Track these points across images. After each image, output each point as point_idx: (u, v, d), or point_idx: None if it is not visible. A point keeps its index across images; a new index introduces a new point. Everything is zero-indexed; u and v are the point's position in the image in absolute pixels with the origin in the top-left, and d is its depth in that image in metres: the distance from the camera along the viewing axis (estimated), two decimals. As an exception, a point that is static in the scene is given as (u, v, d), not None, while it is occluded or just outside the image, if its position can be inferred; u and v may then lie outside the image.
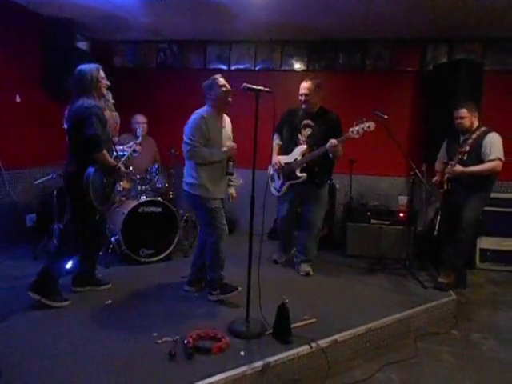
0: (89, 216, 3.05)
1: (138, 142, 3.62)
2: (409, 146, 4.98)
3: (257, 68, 5.48)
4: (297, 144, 3.77)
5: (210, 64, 5.60)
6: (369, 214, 4.57)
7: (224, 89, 3.09)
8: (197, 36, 5.38)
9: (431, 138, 4.84)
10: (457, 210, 3.73)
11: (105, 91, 3.16)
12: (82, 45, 4.99)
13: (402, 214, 4.50)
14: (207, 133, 3.08)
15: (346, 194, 5.09)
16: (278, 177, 3.89)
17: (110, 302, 3.10)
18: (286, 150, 3.85)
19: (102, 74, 3.06)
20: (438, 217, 3.93)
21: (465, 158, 3.60)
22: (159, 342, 2.49)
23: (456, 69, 4.57)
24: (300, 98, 3.73)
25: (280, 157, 3.83)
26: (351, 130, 3.53)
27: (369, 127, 3.50)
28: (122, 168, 3.14)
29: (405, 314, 3.08)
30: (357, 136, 3.52)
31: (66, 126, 3.05)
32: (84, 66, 3.03)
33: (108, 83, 3.15)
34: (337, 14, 4.27)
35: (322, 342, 2.59)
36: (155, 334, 2.58)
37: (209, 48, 5.60)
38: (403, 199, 4.69)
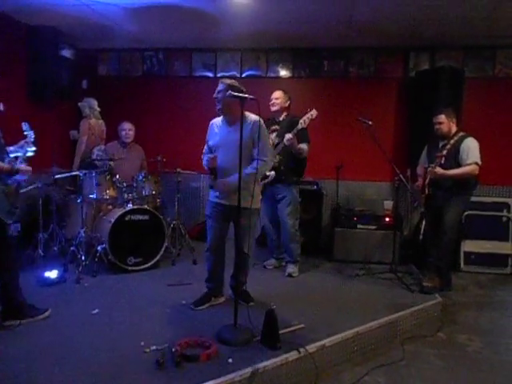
0: None
1: (28, 140, 3.08)
2: (393, 152, 5.06)
3: (243, 75, 5.52)
4: None
5: (195, 71, 5.63)
6: (355, 219, 4.62)
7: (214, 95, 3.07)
8: (182, 44, 5.40)
9: (415, 144, 4.92)
10: (439, 214, 3.81)
11: None
12: (67, 53, 4.97)
13: (387, 219, 4.56)
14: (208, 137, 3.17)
15: (333, 199, 5.14)
16: None
17: (96, 311, 3.07)
18: None
19: None
20: (423, 221, 3.99)
21: (442, 161, 3.69)
22: (147, 350, 2.46)
23: (438, 76, 4.68)
24: (271, 105, 3.99)
25: None
26: (300, 121, 3.74)
27: (312, 115, 3.74)
28: (22, 167, 2.84)
29: (391, 318, 3.11)
30: (305, 125, 3.75)
31: None
32: None
33: None
34: (320, 23, 4.35)
35: (310, 347, 2.59)
36: (142, 343, 2.55)
37: (194, 56, 5.63)
38: (389, 204, 4.75)
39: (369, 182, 5.29)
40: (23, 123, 3.13)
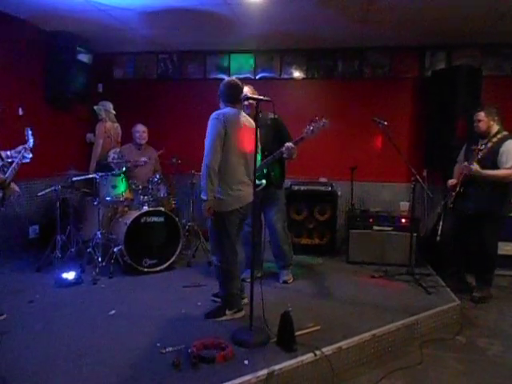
0: None
1: (27, 146, 3.05)
2: (409, 152, 4.99)
3: (257, 77, 5.53)
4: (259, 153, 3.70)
5: (209, 74, 5.66)
6: (371, 220, 4.57)
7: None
8: (196, 46, 5.44)
9: (431, 144, 4.86)
10: (468, 218, 3.71)
11: None
12: (84, 57, 5.05)
13: (404, 220, 4.50)
14: None
15: (348, 200, 5.10)
16: None
17: (113, 312, 3.10)
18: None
19: None
20: (441, 222, 3.92)
21: (479, 156, 3.52)
22: (163, 351, 2.48)
23: (455, 74, 4.61)
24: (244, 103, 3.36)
25: None
26: (306, 130, 3.43)
27: (323, 125, 3.42)
28: (13, 186, 2.81)
29: (409, 321, 3.06)
30: (313, 136, 3.45)
31: None
32: None
33: None
34: (335, 24, 4.33)
35: (327, 350, 2.57)
36: (159, 344, 2.57)
37: (208, 58, 5.66)
38: (405, 205, 4.69)
39: (384, 183, 5.24)
40: (26, 129, 3.11)
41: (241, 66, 5.58)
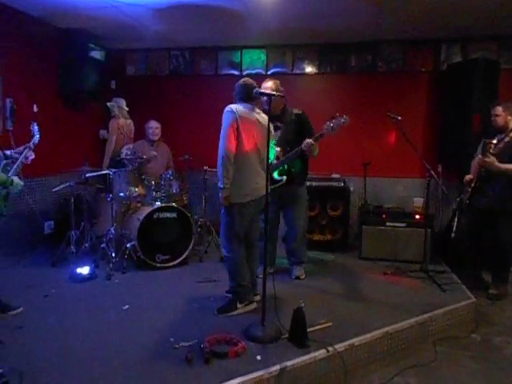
0: None
1: (30, 145, 2.99)
2: (423, 148, 4.92)
3: (269, 72, 5.50)
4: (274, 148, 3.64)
5: (221, 70, 5.65)
6: (384, 216, 4.53)
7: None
8: (208, 42, 5.43)
9: (446, 139, 4.78)
10: (484, 215, 3.66)
11: None
12: (96, 54, 5.09)
13: (418, 216, 4.45)
14: None
15: (361, 196, 5.05)
16: None
17: (126, 307, 3.13)
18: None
19: None
20: (456, 218, 3.86)
21: (491, 150, 3.46)
22: (176, 346, 2.50)
23: (471, 68, 4.51)
24: (263, 99, 3.33)
25: None
26: (325, 126, 3.41)
27: (344, 122, 3.37)
28: (16, 180, 2.78)
29: (423, 318, 3.03)
30: (332, 132, 3.40)
31: None
32: None
33: None
34: (349, 17, 4.27)
35: (339, 346, 2.56)
36: (172, 339, 2.59)
37: (220, 54, 5.65)
38: (419, 201, 4.63)
39: (398, 179, 5.18)
40: (32, 123, 3.07)
41: (252, 61, 5.56)
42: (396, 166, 5.14)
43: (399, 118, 3.71)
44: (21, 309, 2.98)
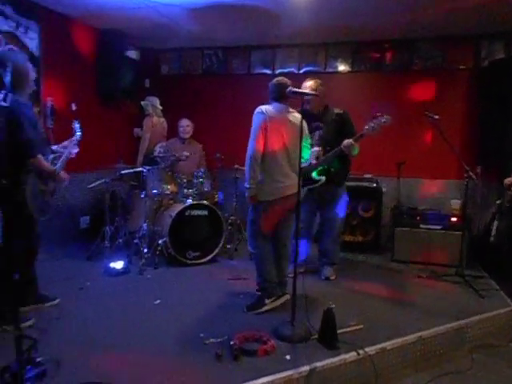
0: (27, 229, 2.76)
1: (74, 140, 3.08)
2: (462, 148, 4.74)
3: (301, 71, 5.46)
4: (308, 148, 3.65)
5: (254, 69, 5.66)
6: (418, 218, 4.41)
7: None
8: (241, 42, 5.46)
9: (487, 139, 4.60)
10: None
11: (33, 84, 2.83)
12: (132, 54, 5.22)
13: (454, 219, 4.30)
14: None
15: (393, 197, 4.94)
16: None
17: (158, 302, 3.19)
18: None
19: (29, 64, 2.80)
20: (495, 222, 3.71)
21: None
22: (206, 342, 2.52)
23: (515, 65, 4.31)
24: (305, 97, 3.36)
25: None
26: (366, 127, 3.35)
27: (385, 122, 3.30)
28: (62, 174, 2.87)
29: (458, 324, 2.92)
30: (372, 132, 3.34)
31: None
32: (15, 57, 2.67)
33: (35, 74, 2.85)
34: (383, 15, 4.18)
35: (370, 350, 2.51)
36: (202, 335, 2.62)
37: (253, 53, 5.66)
38: (456, 203, 4.48)
39: (433, 180, 5.03)
40: (74, 121, 3.17)
41: (285, 60, 5.54)
42: (432, 166, 4.99)
43: (436, 117, 3.59)
44: (58, 300, 3.09)
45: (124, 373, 2.23)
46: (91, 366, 2.29)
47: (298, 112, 2.80)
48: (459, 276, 3.79)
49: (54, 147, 3.04)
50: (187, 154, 4.60)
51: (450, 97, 4.96)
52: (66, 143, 3.09)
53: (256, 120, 2.97)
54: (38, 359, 2.16)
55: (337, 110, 3.64)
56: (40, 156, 2.67)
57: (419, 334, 2.73)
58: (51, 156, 2.89)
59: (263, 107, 2.98)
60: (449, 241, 4.20)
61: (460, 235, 4.02)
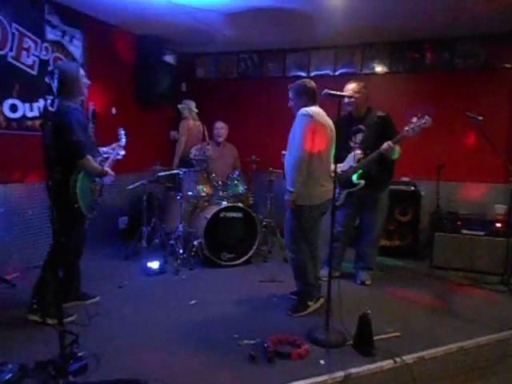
0: (76, 226, 2.89)
1: (120, 144, 3.30)
2: (507, 150, 4.54)
3: (336, 73, 5.40)
4: (348, 151, 3.56)
5: (289, 72, 5.65)
6: (459, 223, 4.24)
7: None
8: (276, 45, 5.46)
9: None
10: None
11: (85, 90, 2.99)
12: (169, 59, 5.33)
13: (499, 225, 4.11)
14: None
15: (432, 201, 4.78)
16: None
17: (193, 302, 3.24)
18: (337, 158, 3.51)
19: (81, 72, 2.94)
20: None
21: None
22: (241, 343, 2.53)
23: None
24: (346, 100, 3.33)
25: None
26: (406, 128, 3.29)
27: (425, 123, 3.23)
28: (109, 171, 3.01)
29: (503, 335, 2.79)
30: (413, 134, 3.27)
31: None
32: (64, 65, 2.92)
33: (88, 82, 2.99)
34: (425, 13, 4.06)
35: (408, 358, 2.44)
36: (236, 336, 2.63)
37: (288, 56, 5.65)
38: (500, 208, 4.28)
39: (475, 183, 4.81)
40: (120, 128, 3.38)
41: (320, 62, 5.49)
42: (474, 169, 4.79)
43: (480, 117, 3.45)
44: (98, 298, 3.20)
45: (159, 370, 2.27)
46: (128, 362, 2.35)
47: (338, 114, 2.75)
48: (503, 285, 3.63)
49: (102, 149, 3.19)
50: (211, 153, 4.59)
51: (494, 97, 4.75)
52: (113, 145, 3.27)
53: (304, 122, 2.88)
54: (80, 354, 2.23)
55: (379, 113, 3.57)
56: (89, 157, 2.79)
57: (460, 343, 2.63)
58: (99, 158, 3.03)
59: (309, 109, 2.90)
60: (492, 247, 4.02)
61: (505, 242, 3.84)
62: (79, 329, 2.55)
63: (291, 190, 2.89)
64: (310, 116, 2.86)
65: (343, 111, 3.54)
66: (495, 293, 3.57)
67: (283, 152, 3.14)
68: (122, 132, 3.35)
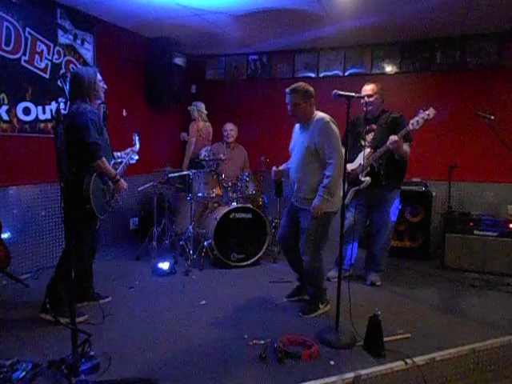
0: (89, 226, 2.92)
1: (134, 149, 3.35)
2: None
3: (346, 73, 5.38)
4: (360, 150, 3.56)
5: (298, 72, 5.64)
6: (471, 224, 4.19)
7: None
8: (286, 46, 5.47)
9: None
10: None
11: (102, 94, 3.00)
12: (179, 61, 5.36)
13: None
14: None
15: (443, 201, 4.74)
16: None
17: (203, 302, 3.25)
18: (349, 158, 3.55)
19: (99, 76, 2.96)
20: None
21: None
22: (250, 343, 2.54)
23: None
24: (362, 100, 3.35)
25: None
26: (411, 122, 3.31)
27: (428, 115, 3.26)
28: (121, 182, 3.00)
29: (517, 337, 2.75)
30: (417, 127, 3.29)
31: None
32: (82, 69, 2.96)
33: (105, 86, 3.01)
34: (436, 11, 4.03)
35: (419, 360, 2.41)
36: (246, 336, 2.64)
37: (297, 57, 5.65)
38: (514, 208, 4.23)
39: (488, 184, 4.76)
40: (134, 134, 3.44)
41: (330, 63, 5.48)
42: (486, 169, 4.74)
43: (492, 117, 3.42)
44: (110, 298, 3.24)
45: (170, 370, 2.29)
46: (140, 361, 2.37)
47: (348, 115, 2.73)
48: (517, 286, 3.57)
49: (117, 154, 3.23)
50: (222, 156, 4.64)
51: (507, 95, 4.69)
52: (127, 150, 3.31)
53: (334, 130, 2.88)
54: (92, 353, 2.26)
55: (393, 114, 3.57)
56: (103, 159, 2.81)
57: (472, 345, 2.59)
58: (113, 161, 3.06)
59: (327, 116, 2.93)
60: (506, 248, 3.97)
61: (518, 242, 3.79)
62: (91, 328, 2.59)
63: (329, 198, 2.85)
64: (334, 123, 2.89)
65: (361, 112, 3.57)
66: (508, 294, 3.53)
67: (275, 168, 3.28)
68: (137, 137, 3.40)
